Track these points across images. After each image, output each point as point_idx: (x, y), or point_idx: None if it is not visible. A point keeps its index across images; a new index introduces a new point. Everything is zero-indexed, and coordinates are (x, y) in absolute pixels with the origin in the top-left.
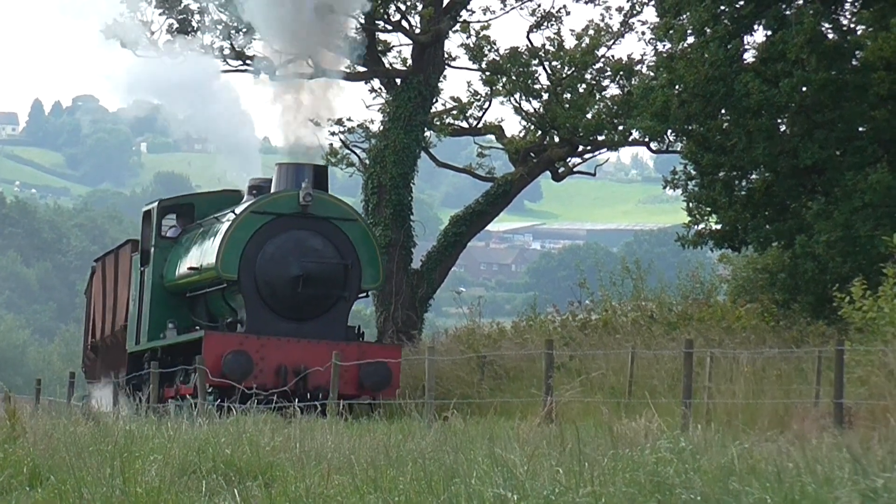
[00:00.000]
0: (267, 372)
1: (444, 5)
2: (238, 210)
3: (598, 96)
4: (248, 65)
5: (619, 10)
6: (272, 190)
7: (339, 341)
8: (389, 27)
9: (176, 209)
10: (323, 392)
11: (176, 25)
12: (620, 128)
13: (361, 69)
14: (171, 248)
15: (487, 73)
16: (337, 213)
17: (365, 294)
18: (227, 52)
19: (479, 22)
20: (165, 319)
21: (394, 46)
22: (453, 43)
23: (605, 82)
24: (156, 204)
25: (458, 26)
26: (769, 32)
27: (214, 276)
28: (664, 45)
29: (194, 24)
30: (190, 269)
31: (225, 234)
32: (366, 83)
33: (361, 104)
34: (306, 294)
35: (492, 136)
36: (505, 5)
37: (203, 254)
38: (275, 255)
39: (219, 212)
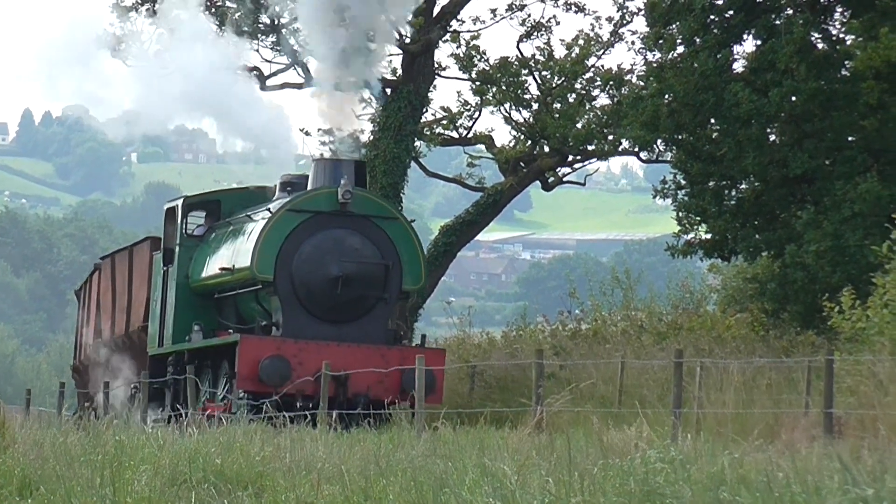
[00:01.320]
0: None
1: (434, 15)
2: (274, 208)
3: (587, 106)
4: (237, 74)
5: (609, 19)
6: (309, 186)
7: (379, 345)
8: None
9: (202, 206)
10: (364, 399)
11: (167, 35)
12: (610, 137)
13: (352, 78)
14: (197, 246)
15: (477, 83)
16: (377, 210)
17: (406, 296)
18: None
19: (468, 32)
20: (191, 321)
21: (384, 56)
22: (443, 53)
23: (595, 92)
24: (181, 200)
25: (447, 36)
26: (759, 42)
27: (248, 277)
28: (654, 55)
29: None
30: (222, 269)
31: (260, 233)
32: (356, 92)
33: (351, 113)
34: (345, 296)
35: (482, 146)
36: (495, 15)
37: (236, 253)
38: (312, 255)
39: (247, 209)
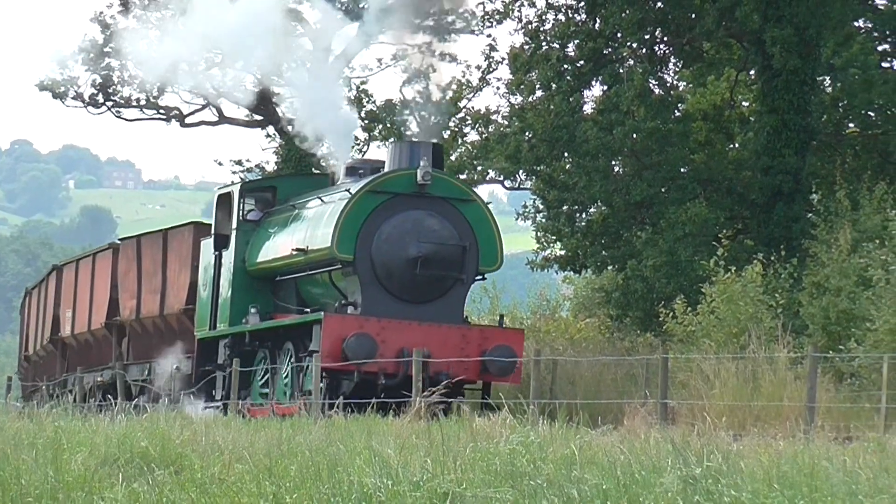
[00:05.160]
0: (388, 356)
1: (329, 62)
2: (353, 189)
3: (460, 141)
4: (160, 113)
5: (478, 67)
6: (386, 169)
7: (459, 324)
8: (283, 81)
9: (256, 192)
10: (445, 377)
11: (100, 80)
12: (479, 168)
13: (258, 117)
14: (254, 231)
15: (366, 121)
16: (455, 193)
17: (482, 277)
18: (143, 102)
19: (359, 77)
20: (247, 304)
21: (286, 98)
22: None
23: (466, 129)
24: (237, 187)
25: (341, 80)
26: (605, 88)
27: (326, 257)
28: (516, 98)
29: (115, 79)
30: (295, 250)
31: (340, 214)
32: (262, 129)
33: (258, 147)
34: (424, 276)
35: None
36: (381, 64)
37: (310, 235)
38: (392, 236)
39: (303, 194)
